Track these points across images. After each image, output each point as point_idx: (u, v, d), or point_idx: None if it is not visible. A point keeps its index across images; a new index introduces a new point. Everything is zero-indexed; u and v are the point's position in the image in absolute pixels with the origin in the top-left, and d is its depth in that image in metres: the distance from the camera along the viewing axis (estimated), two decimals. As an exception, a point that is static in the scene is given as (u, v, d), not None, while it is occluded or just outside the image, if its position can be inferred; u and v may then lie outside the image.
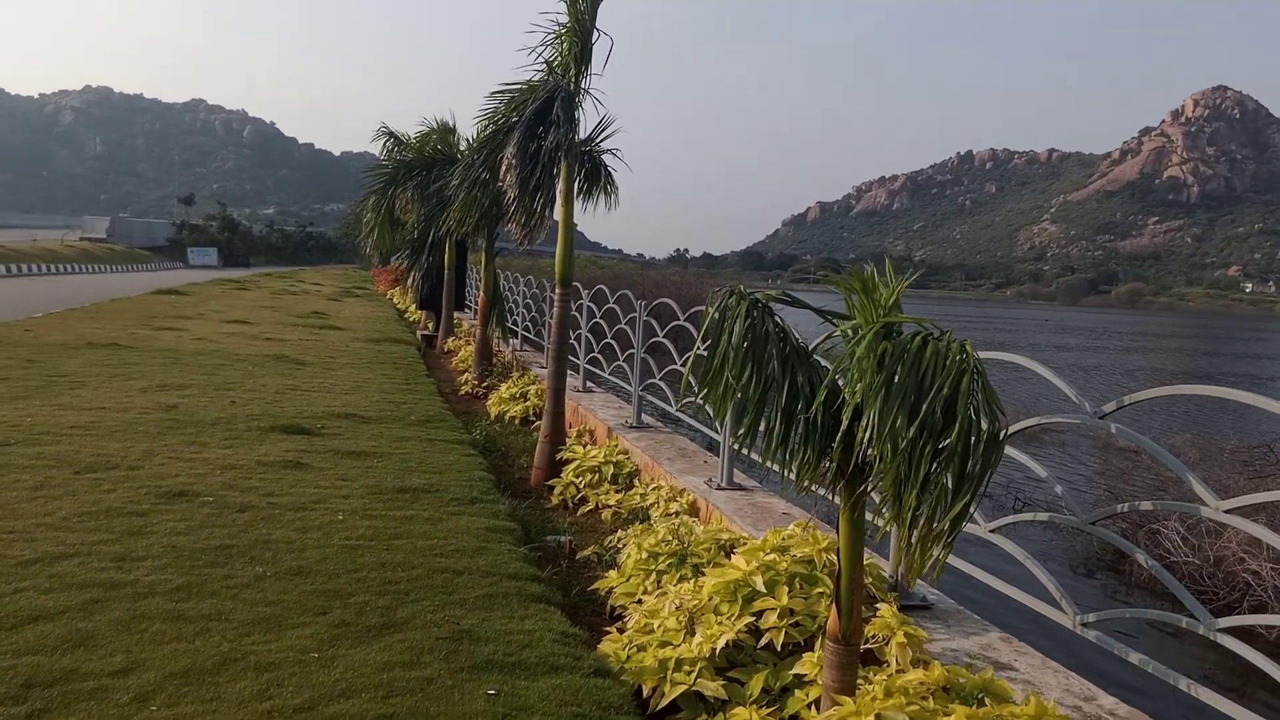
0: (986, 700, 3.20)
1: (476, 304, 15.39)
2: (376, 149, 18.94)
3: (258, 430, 8.60)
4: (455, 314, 20.28)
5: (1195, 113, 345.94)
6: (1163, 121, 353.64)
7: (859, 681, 3.34)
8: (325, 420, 9.39)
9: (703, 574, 4.75)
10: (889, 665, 3.60)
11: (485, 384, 13.55)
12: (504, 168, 8.16)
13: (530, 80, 8.63)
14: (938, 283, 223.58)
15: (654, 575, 5.09)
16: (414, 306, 23.62)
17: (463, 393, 13.75)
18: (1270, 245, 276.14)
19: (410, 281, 20.21)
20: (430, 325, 21.37)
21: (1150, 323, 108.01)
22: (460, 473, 7.58)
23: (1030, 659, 3.89)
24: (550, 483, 8.07)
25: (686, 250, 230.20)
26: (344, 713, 3.44)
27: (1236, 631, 3.01)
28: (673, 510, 6.51)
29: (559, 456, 8.47)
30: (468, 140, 15.10)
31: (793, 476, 3.16)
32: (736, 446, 6.36)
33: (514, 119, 8.43)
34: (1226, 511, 3.00)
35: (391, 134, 18.35)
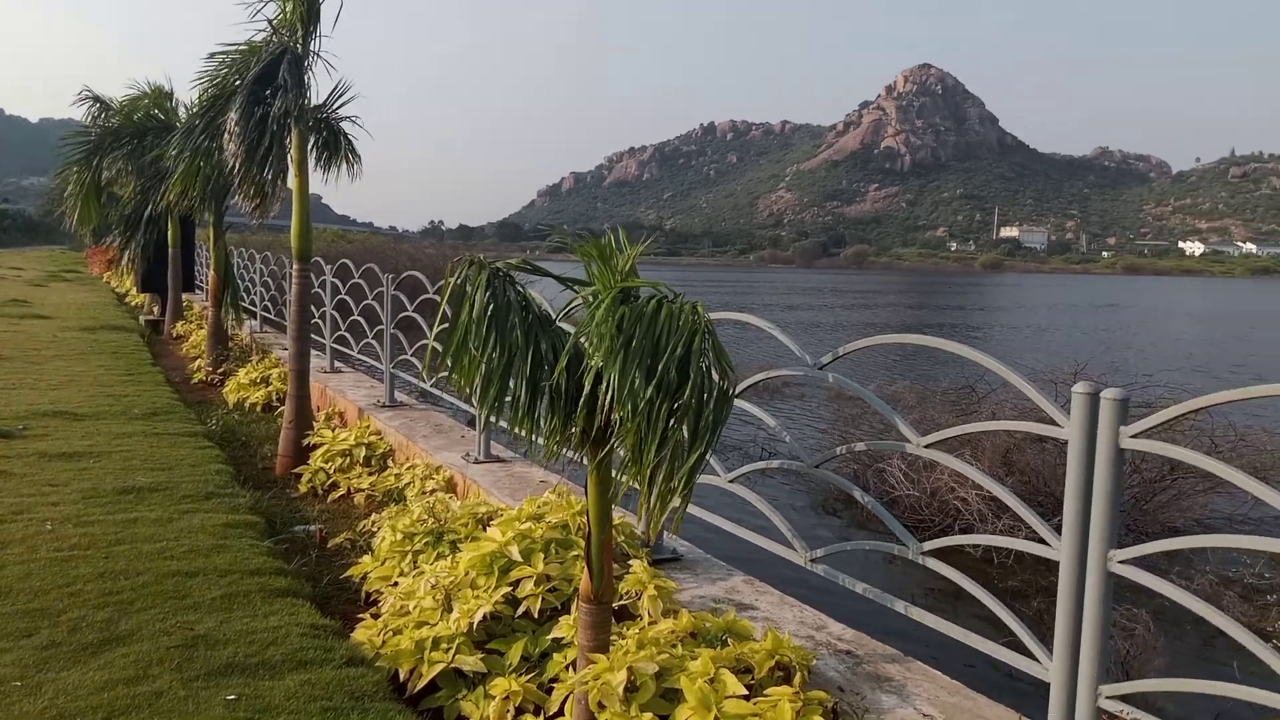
0: (730, 640, 3.39)
1: (208, 284, 14.20)
2: (81, 114, 16.87)
3: (-60, 437, 7.50)
4: (185, 296, 18.60)
5: (905, 88, 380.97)
6: (879, 96, 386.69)
7: (614, 638, 3.43)
8: (29, 420, 8.33)
9: (461, 550, 4.69)
10: (642, 619, 3.73)
11: (221, 370, 12.58)
12: (226, 135, 7.53)
13: (252, 40, 8.01)
14: (687, 250, 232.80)
15: (410, 556, 4.96)
16: (135, 290, 21.39)
17: (196, 381, 12.70)
18: (970, 208, 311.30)
19: (126, 261, 18.24)
20: (155, 309, 19.47)
21: (873, 281, 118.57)
22: (193, 467, 7.00)
23: (770, 597, 4.17)
24: (297, 470, 7.65)
25: (442, 222, 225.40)
26: (56, 743, 3.09)
27: (940, 553, 3.37)
28: (429, 489, 6.37)
29: (306, 442, 8.04)
30: (186, 106, 13.83)
31: (541, 443, 3.18)
32: (483, 420, 6.32)
33: (236, 82, 7.80)
34: (926, 446, 3.34)
35: (96, 98, 16.39)
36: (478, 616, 3.88)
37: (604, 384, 2.91)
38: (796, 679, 3.14)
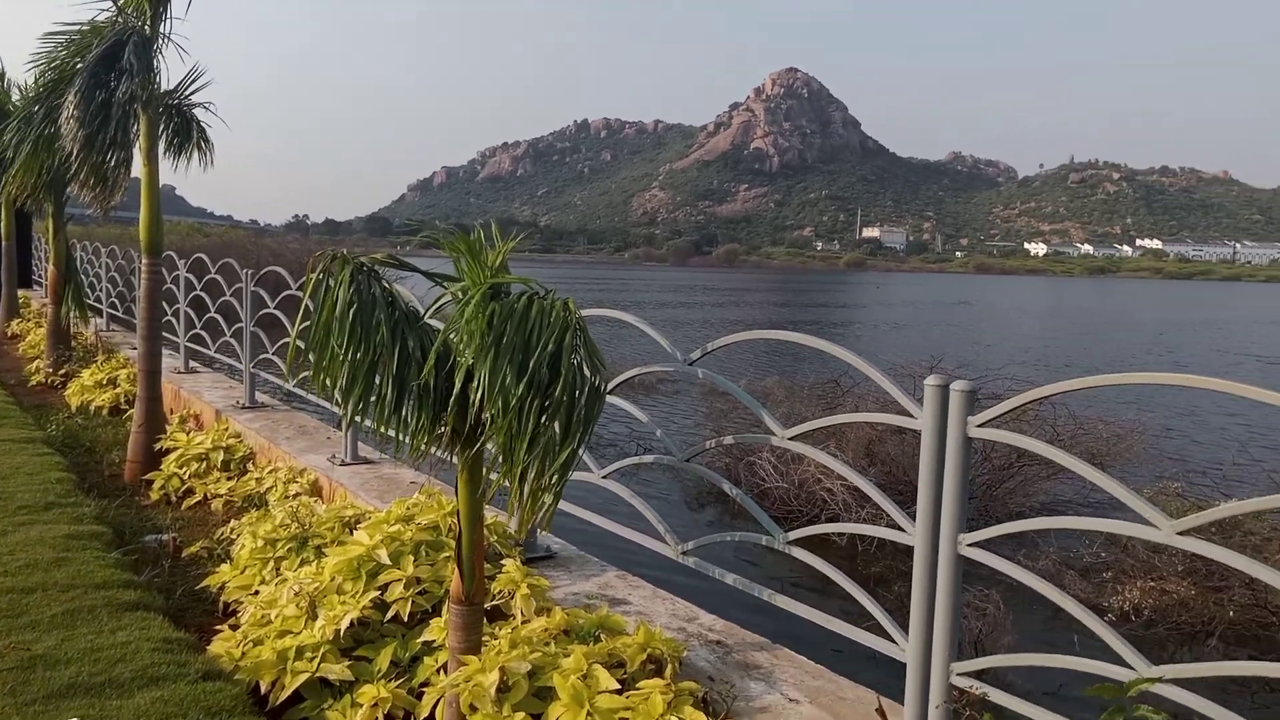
0: (603, 636, 3.41)
1: (46, 279, 13.23)
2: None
3: None
4: (21, 292, 17.26)
5: (773, 91, 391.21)
6: (748, 98, 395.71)
7: (486, 638, 3.39)
8: None
9: (326, 555, 4.54)
10: (515, 618, 3.70)
11: (63, 371, 11.74)
12: (65, 119, 7.03)
13: (95, 20, 7.51)
14: (563, 247, 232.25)
15: (272, 564, 4.77)
16: (-39, 286, 19.70)
17: (34, 383, 11.80)
18: (834, 209, 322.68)
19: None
20: (-14, 307, 18.01)
21: (744, 279, 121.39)
22: (30, 476, 6.51)
23: (643, 591, 4.22)
24: (148, 477, 7.22)
25: (307, 216, 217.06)
26: None
27: (807, 543, 3.47)
28: (293, 492, 6.14)
29: (158, 446, 7.60)
30: (21, 89, 12.84)
31: (409, 443, 3.11)
32: (348, 420, 6.15)
33: (78, 64, 7.29)
34: (790, 439, 3.44)
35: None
36: (344, 623, 3.77)
37: (474, 381, 2.87)
38: (668, 671, 3.18)
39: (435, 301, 3.46)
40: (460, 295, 3.13)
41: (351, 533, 4.77)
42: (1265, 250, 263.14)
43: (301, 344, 3.10)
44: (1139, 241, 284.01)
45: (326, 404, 7.84)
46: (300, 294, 7.65)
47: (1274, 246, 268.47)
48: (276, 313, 8.35)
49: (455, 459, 3.24)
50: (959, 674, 2.79)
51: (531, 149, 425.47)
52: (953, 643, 2.80)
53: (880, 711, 2.59)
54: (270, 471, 6.62)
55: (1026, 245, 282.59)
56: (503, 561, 4.11)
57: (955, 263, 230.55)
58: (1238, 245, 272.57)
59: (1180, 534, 2.32)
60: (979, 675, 2.82)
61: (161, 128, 7.77)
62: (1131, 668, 2.39)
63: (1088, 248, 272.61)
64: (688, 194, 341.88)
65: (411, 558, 4.10)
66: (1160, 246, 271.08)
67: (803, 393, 13.37)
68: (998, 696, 2.69)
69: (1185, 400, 18.16)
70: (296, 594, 4.05)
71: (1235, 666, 2.32)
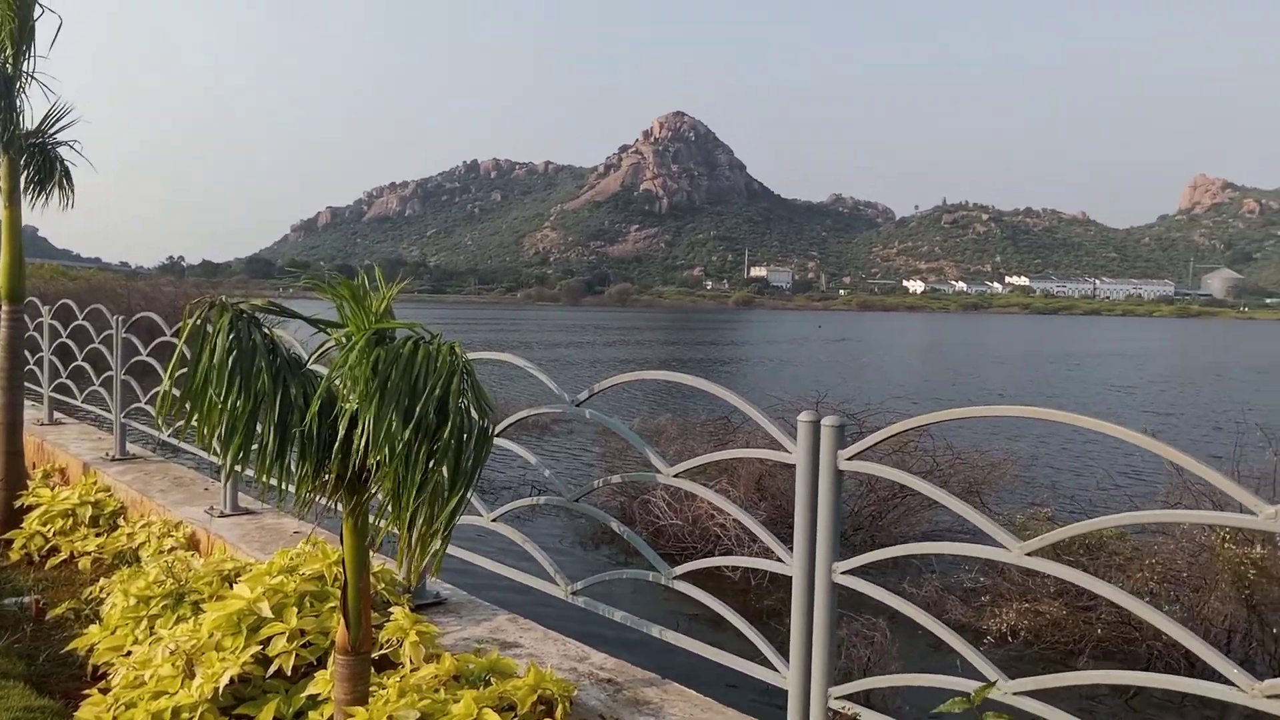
0: (493, 679, 3.41)
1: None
2: None
3: None
4: None
5: (661, 134, 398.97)
6: (637, 140, 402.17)
7: (374, 688, 3.34)
8: None
9: (204, 611, 4.38)
10: (404, 666, 3.66)
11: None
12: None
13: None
14: (453, 288, 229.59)
15: (146, 622, 4.56)
16: None
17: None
18: (723, 249, 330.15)
19: None
20: None
21: (636, 318, 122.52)
22: (-128, 539, 6.06)
23: (534, 634, 4.22)
24: (7, 536, 6.80)
25: (182, 258, 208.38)
26: None
27: (697, 579, 3.56)
28: (168, 547, 5.88)
29: (19, 503, 7.17)
30: None
31: (292, 492, 3.06)
32: (228, 470, 5.98)
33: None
34: (675, 475, 3.54)
35: None
36: (224, 680, 3.64)
37: (359, 428, 2.86)
38: (559, 711, 3.21)
39: (319, 348, 3.43)
40: (344, 341, 3.12)
41: (231, 586, 4.62)
42: (1120, 286, 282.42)
43: (177, 392, 3.03)
44: (1008, 279, 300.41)
45: (204, 454, 7.56)
46: (175, 340, 7.39)
47: (1129, 283, 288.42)
48: (150, 360, 8.03)
49: (341, 506, 3.21)
50: (836, 697, 2.91)
51: (420, 189, 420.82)
52: (830, 667, 2.92)
53: (761, 738, 2.68)
54: (143, 526, 6.33)
55: (905, 283, 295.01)
56: (390, 610, 4.05)
57: (839, 300, 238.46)
58: (1097, 282, 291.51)
59: (1029, 555, 2.51)
60: (860, 698, 2.95)
61: (23, 167, 7.44)
62: (993, 681, 2.56)
63: (962, 285, 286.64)
64: (579, 234, 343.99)
65: (295, 609, 4.00)
66: (1027, 283, 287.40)
67: (695, 430, 13.55)
68: (868, 716, 2.82)
69: (1051, 431, 19.23)
70: (172, 652, 3.89)
71: (1077, 676, 2.51)
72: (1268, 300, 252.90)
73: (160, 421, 7.54)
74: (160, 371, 7.60)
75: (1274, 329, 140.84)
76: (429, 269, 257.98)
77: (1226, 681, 2.27)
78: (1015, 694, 2.51)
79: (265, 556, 5.02)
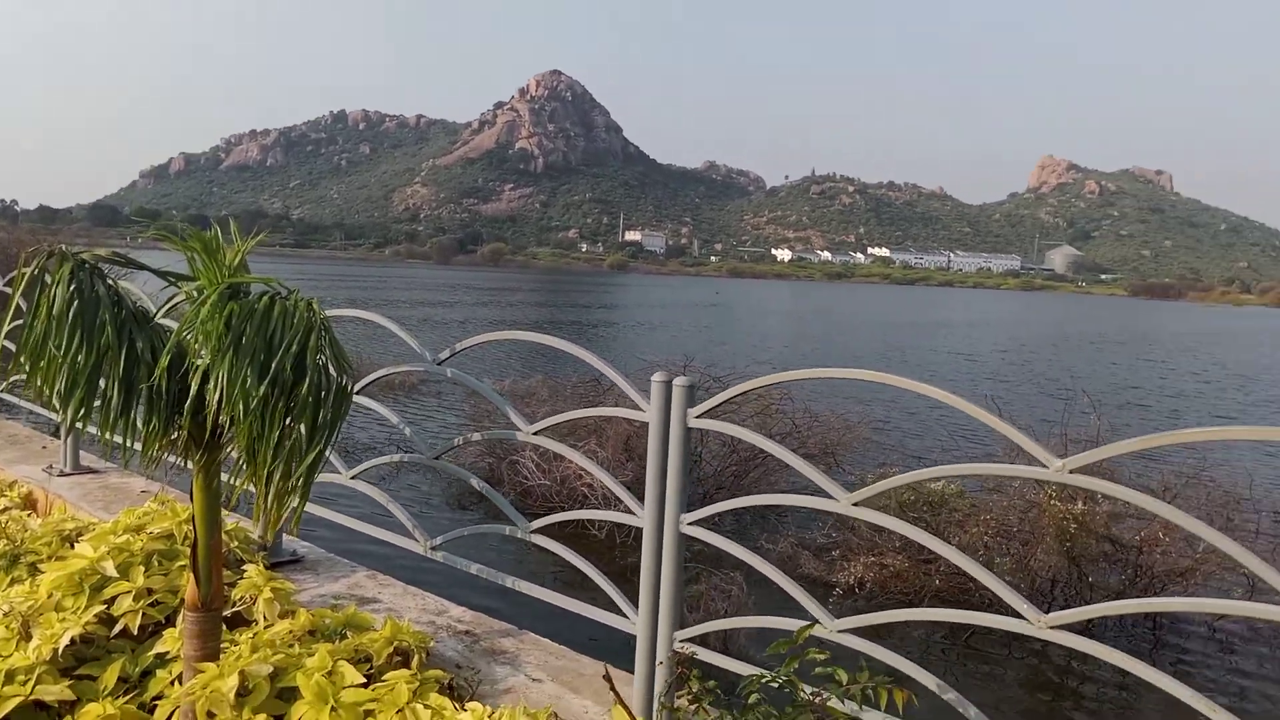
0: (349, 633, 3.44)
1: None
2: None
3: None
4: None
5: (538, 92, 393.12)
6: (513, 98, 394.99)
7: (226, 645, 3.32)
8: None
9: (42, 571, 4.21)
10: (258, 623, 3.64)
11: None
12: None
13: None
14: (318, 242, 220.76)
15: (-24, 585, 4.35)
16: None
17: None
18: (598, 212, 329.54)
19: None
20: None
21: (508, 279, 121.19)
22: None
23: (393, 589, 4.26)
24: None
25: (15, 202, 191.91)
26: None
27: (561, 536, 3.68)
28: (1, 507, 5.58)
29: None
30: None
31: (140, 449, 3.00)
32: (69, 427, 5.72)
33: None
34: (535, 434, 3.64)
35: None
36: (64, 640, 3.53)
37: (212, 383, 2.82)
38: (415, 661, 3.28)
39: (167, 302, 3.34)
40: (195, 295, 3.06)
41: (73, 547, 4.45)
42: (972, 259, 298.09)
43: (12, 345, 2.92)
44: (870, 249, 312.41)
45: (42, 410, 7.15)
46: (8, 290, 6.95)
47: (980, 256, 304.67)
48: (-21, 310, 7.48)
49: (191, 464, 3.16)
50: (681, 640, 3.10)
51: (283, 138, 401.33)
52: (677, 613, 3.11)
53: (606, 676, 2.83)
54: (-28, 486, 5.97)
55: (774, 251, 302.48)
56: (244, 567, 4.01)
57: (710, 266, 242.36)
58: (951, 255, 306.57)
59: (855, 504, 2.74)
60: (706, 644, 3.15)
61: None
62: (816, 620, 2.79)
63: (827, 254, 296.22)
64: (452, 191, 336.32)
65: (142, 569, 3.90)
66: (888, 254, 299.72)
67: (565, 392, 13.70)
68: (705, 655, 3.02)
69: (898, 396, 20.33)
70: (6, 614, 3.74)
71: (891, 614, 2.78)
72: (1103, 276, 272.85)
73: (10, 374, 7.10)
74: (-10, 323, 7.11)
75: (1107, 303, 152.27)
76: (292, 222, 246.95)
77: (1021, 618, 2.56)
78: (840, 631, 2.74)
79: (110, 516, 4.84)
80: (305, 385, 2.86)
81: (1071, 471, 2.40)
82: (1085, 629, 6.36)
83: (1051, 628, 2.48)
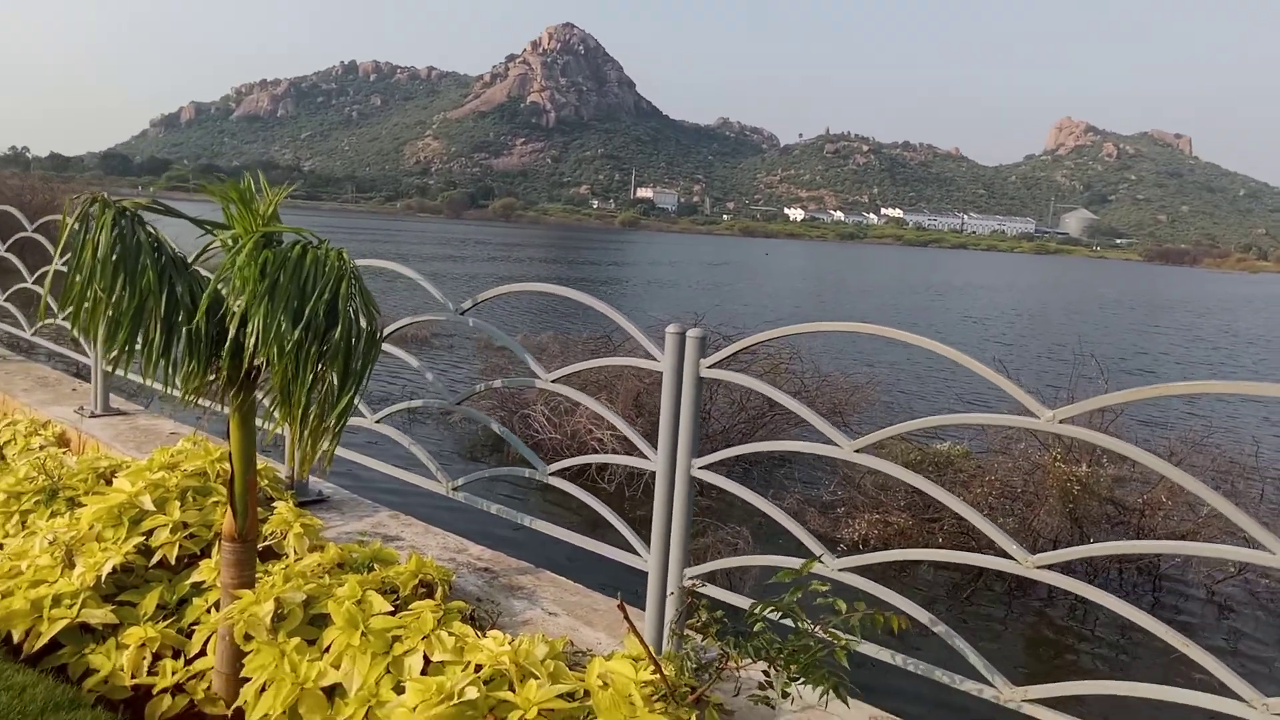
0: (376, 566, 3.64)
1: None
2: None
3: None
4: None
5: (550, 45, 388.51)
6: (525, 50, 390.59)
7: (260, 575, 3.52)
8: None
9: (80, 506, 4.42)
10: (288, 556, 3.84)
11: None
12: None
13: None
14: (329, 194, 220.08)
15: (18, 517, 4.56)
16: None
17: None
18: (610, 168, 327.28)
19: None
20: None
21: (520, 234, 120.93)
22: None
23: (415, 528, 4.46)
24: None
25: (27, 149, 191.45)
26: None
27: (572, 479, 3.85)
28: (36, 445, 5.79)
29: None
30: None
31: (178, 390, 3.15)
32: (112, 368, 5.90)
33: None
34: (554, 381, 3.80)
35: None
36: (106, 569, 3.74)
37: (249, 327, 2.97)
38: (439, 593, 3.48)
39: (202, 249, 3.48)
40: (230, 243, 3.19)
41: (109, 483, 4.65)
42: (986, 222, 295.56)
43: (38, 289, 3.07)
44: (883, 210, 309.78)
45: (70, 352, 7.34)
46: (38, 237, 7.08)
47: (994, 218, 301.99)
48: (10, 256, 7.67)
49: (227, 405, 3.32)
50: (690, 577, 3.28)
51: (294, 89, 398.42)
52: (686, 551, 3.28)
53: (621, 606, 3.02)
54: (8, 424, 6.18)
55: (786, 210, 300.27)
56: (274, 505, 4.20)
57: (722, 225, 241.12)
58: (965, 216, 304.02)
59: (857, 450, 2.90)
60: (711, 579, 3.33)
61: None
62: (818, 556, 2.96)
63: (840, 214, 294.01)
64: (463, 145, 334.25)
65: (178, 503, 4.10)
66: (901, 215, 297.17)
67: (576, 347, 13.86)
68: (711, 590, 3.21)
69: (906, 359, 20.46)
70: (51, 543, 3.95)
71: (887, 555, 2.95)
72: (1118, 240, 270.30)
73: (25, 321, 7.27)
74: (20, 268, 7.28)
75: (1122, 267, 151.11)
76: (303, 173, 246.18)
77: (1011, 560, 2.72)
78: (840, 569, 2.91)
79: (141, 455, 5.05)
80: (338, 331, 3.01)
81: (1061, 421, 2.54)
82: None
83: (1039, 567, 2.64)
